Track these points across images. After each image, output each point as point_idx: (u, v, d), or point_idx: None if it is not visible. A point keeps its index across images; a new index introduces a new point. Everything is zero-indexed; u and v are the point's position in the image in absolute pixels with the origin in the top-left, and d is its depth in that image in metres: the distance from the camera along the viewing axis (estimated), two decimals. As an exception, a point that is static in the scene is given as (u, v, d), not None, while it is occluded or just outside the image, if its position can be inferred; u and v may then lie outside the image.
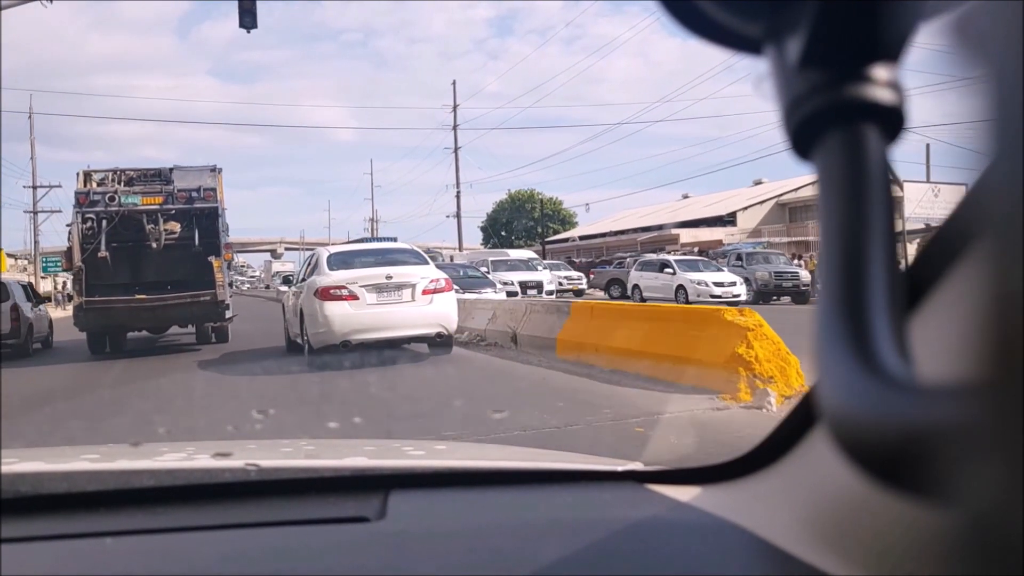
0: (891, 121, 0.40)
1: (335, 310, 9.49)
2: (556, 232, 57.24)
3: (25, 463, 1.25)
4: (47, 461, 1.34)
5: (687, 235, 41.03)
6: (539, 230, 53.98)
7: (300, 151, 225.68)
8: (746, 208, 44.21)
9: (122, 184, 13.43)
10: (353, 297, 9.57)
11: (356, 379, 8.47)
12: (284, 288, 15.57)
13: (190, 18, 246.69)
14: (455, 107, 49.53)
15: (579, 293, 27.62)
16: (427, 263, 10.68)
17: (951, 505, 0.30)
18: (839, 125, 0.40)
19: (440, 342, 10.07)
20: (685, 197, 55.59)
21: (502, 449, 1.72)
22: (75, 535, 0.94)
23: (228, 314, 13.31)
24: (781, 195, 44.09)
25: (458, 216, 47.54)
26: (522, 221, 58.94)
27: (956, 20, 0.32)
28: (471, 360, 10.07)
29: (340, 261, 10.34)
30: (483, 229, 60.99)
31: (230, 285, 14.14)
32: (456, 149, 49.19)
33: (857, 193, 0.39)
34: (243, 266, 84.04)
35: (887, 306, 0.37)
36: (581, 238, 53.06)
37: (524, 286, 22.07)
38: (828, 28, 0.40)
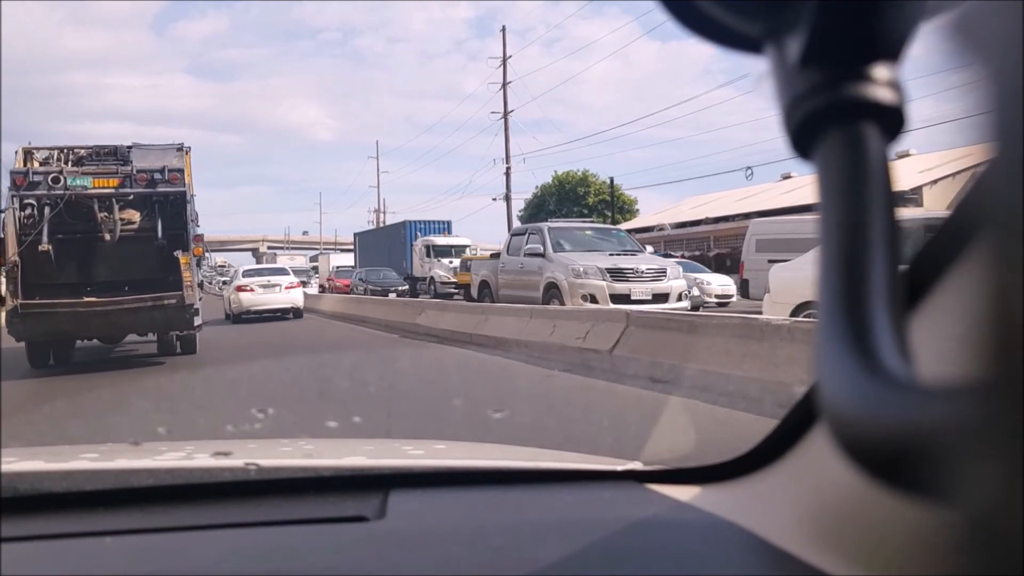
0: (891, 120, 0.40)
1: (242, 296, 20.88)
2: (616, 223, 45.04)
3: (24, 462, 1.25)
4: (46, 460, 1.34)
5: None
6: (602, 218, 42.91)
7: (279, 150, 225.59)
8: (935, 182, 30.23)
9: (70, 164, 10.72)
10: (251, 290, 20.93)
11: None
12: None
13: (166, 15, 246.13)
14: (504, 59, 39.03)
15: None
16: (289, 275, 22.20)
17: (951, 505, 0.30)
18: (839, 124, 0.40)
19: (294, 313, 21.22)
20: (786, 178, 43.41)
21: (502, 448, 1.72)
22: (74, 534, 0.94)
23: (197, 321, 10.76)
24: (978, 164, 29.85)
25: (507, 198, 39.23)
26: (572, 208, 48.89)
27: (956, 19, 0.32)
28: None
29: (248, 273, 22.18)
30: (522, 218, 50.57)
31: (200, 286, 11.84)
32: (506, 114, 39.20)
33: (857, 192, 0.39)
34: (223, 265, 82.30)
35: (887, 305, 0.37)
36: (672, 226, 41.82)
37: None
38: (828, 27, 0.40)
